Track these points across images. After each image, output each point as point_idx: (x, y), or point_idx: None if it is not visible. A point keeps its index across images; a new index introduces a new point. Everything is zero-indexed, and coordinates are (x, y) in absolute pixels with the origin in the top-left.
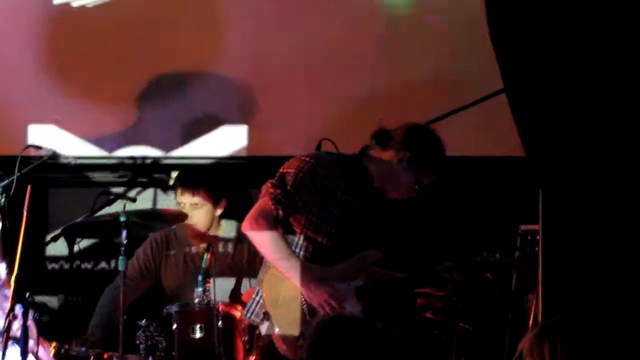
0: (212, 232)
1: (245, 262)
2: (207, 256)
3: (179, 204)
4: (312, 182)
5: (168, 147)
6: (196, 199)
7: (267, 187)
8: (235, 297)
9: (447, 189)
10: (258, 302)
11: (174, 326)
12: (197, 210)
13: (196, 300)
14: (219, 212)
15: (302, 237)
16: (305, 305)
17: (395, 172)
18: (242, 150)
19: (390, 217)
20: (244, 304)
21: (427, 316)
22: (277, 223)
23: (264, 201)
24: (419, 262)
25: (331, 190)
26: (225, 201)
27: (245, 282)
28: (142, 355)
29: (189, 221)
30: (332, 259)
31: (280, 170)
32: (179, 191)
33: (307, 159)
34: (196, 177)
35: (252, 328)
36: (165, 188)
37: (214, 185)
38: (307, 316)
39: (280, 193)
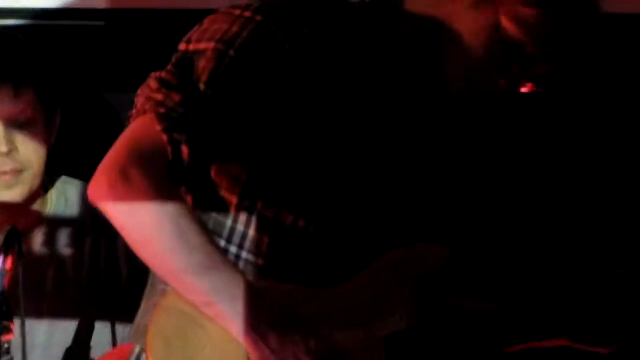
0: (35, 206)
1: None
2: (5, 264)
3: None
4: (263, 70)
5: None
6: (19, 108)
7: (148, 90)
8: None
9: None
10: None
11: None
12: (21, 140)
13: None
14: (52, 140)
15: (242, 216)
16: None
17: (456, 22)
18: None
19: (459, 148)
20: None
21: None
22: (179, 179)
23: (142, 124)
24: (538, 272)
25: (313, 84)
26: (59, 113)
27: (101, 329)
28: None
29: None
30: (322, 266)
31: (183, 44)
32: None
33: (248, 14)
34: (14, 53)
35: None
36: None
37: (47, 74)
38: None
39: (181, 101)
